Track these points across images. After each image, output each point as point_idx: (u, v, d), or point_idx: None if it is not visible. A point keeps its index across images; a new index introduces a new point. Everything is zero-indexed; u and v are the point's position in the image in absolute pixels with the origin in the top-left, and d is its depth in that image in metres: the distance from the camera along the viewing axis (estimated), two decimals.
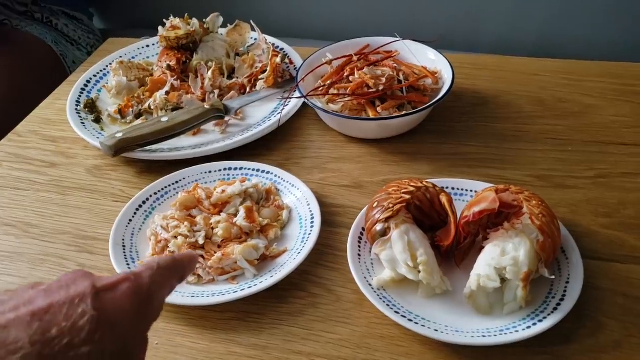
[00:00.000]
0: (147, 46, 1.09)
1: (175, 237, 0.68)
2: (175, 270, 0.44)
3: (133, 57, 1.06)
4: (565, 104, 0.90)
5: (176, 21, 1.00)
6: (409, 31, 1.60)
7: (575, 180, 0.77)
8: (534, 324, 0.57)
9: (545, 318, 0.58)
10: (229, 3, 1.71)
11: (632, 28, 1.48)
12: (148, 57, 1.07)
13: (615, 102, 0.90)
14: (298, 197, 0.75)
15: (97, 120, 0.92)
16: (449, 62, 0.88)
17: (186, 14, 1.02)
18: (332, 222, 0.73)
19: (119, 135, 0.81)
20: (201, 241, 0.68)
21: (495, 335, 0.57)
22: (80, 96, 0.97)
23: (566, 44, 1.55)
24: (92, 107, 0.94)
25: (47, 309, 0.35)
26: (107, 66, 1.03)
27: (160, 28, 1.01)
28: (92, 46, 1.63)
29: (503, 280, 0.59)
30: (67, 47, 1.56)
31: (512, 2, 1.52)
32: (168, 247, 0.68)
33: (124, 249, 0.69)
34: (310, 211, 0.72)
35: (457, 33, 1.61)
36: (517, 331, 0.57)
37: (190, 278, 0.66)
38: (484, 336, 0.57)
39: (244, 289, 0.63)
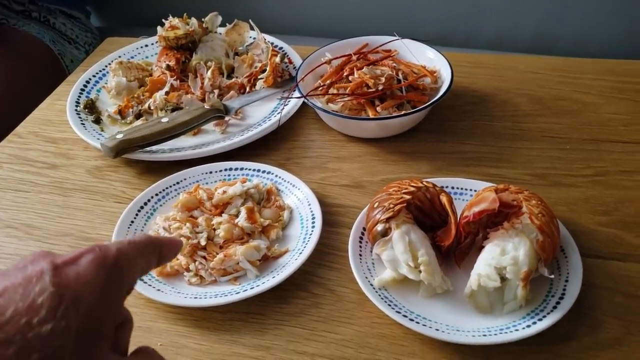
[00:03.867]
0: (146, 46, 1.09)
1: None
2: (151, 247, 0.42)
3: (132, 57, 1.06)
4: (563, 102, 0.90)
5: (175, 21, 1.00)
6: (407, 28, 1.61)
7: (573, 178, 0.77)
8: (534, 323, 0.58)
9: (544, 317, 0.58)
10: (225, 1, 1.71)
11: (629, 25, 1.48)
12: (147, 57, 1.07)
13: (612, 100, 0.90)
14: (299, 197, 0.75)
15: (97, 120, 0.92)
16: (447, 60, 0.88)
17: (185, 14, 1.02)
18: (333, 222, 0.74)
19: (120, 136, 0.82)
20: (203, 242, 0.68)
21: (496, 334, 0.58)
22: (79, 97, 0.97)
23: (564, 40, 1.55)
24: (91, 108, 0.94)
25: (1, 292, 0.33)
26: (106, 66, 1.03)
27: (159, 28, 1.01)
28: (89, 44, 1.63)
29: (503, 279, 0.60)
30: (65, 45, 1.55)
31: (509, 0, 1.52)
32: None
33: None
34: (311, 211, 0.73)
35: (455, 30, 1.61)
36: (517, 330, 0.58)
37: (193, 279, 0.66)
38: (484, 335, 0.57)
39: (246, 290, 0.63)
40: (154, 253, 0.42)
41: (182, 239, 0.68)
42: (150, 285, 0.65)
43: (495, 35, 1.61)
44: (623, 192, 0.75)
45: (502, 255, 0.60)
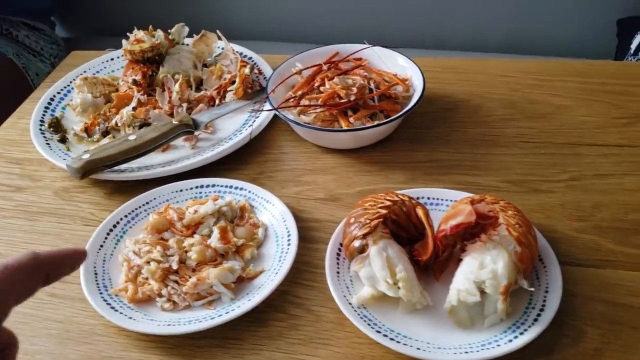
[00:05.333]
0: (112, 59, 1.06)
1: (148, 263, 0.66)
2: (34, 270, 0.38)
3: (97, 72, 1.03)
4: (536, 106, 0.90)
5: (140, 34, 0.97)
6: (377, 32, 1.61)
7: (549, 184, 0.77)
8: (516, 337, 0.57)
9: (526, 330, 0.58)
10: (193, 8, 1.68)
11: (597, 24, 1.50)
12: (113, 71, 1.04)
13: (585, 102, 0.90)
14: (273, 214, 0.74)
15: (63, 139, 0.89)
16: (419, 68, 0.87)
17: (150, 26, 1.00)
18: (309, 237, 0.72)
19: (86, 156, 0.79)
20: (175, 266, 0.66)
21: (478, 351, 0.57)
22: (44, 115, 0.94)
23: (534, 39, 1.56)
24: (57, 127, 0.91)
25: None
26: (70, 82, 1.00)
27: (124, 41, 0.98)
28: (55, 57, 1.59)
29: (482, 292, 0.59)
30: (30, 59, 1.51)
31: (478, 1, 1.53)
32: (141, 272, 0.66)
33: (96, 277, 0.67)
34: (287, 228, 0.71)
35: (426, 33, 1.61)
36: (499, 345, 0.57)
37: (166, 305, 0.64)
38: (466, 352, 0.56)
39: (221, 315, 0.61)
40: (38, 277, 0.39)
41: (152, 262, 0.66)
42: (121, 313, 0.63)
43: (466, 37, 1.61)
44: (598, 197, 0.74)
45: (480, 269, 0.59)
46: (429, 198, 0.73)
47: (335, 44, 0.96)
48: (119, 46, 1.03)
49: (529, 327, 0.58)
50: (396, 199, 0.65)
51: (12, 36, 1.53)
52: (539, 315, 0.59)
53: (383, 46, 0.92)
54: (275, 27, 1.67)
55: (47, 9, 1.69)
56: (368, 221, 0.63)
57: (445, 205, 0.72)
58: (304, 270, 0.68)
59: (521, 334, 0.57)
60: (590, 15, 1.53)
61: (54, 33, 1.68)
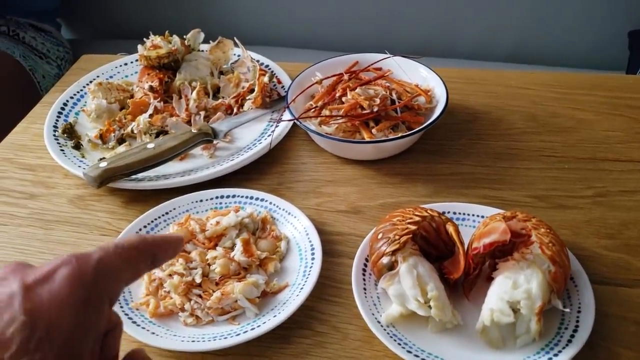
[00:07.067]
0: (125, 64, 1.04)
1: (170, 276, 0.65)
2: (141, 253, 0.38)
3: (111, 77, 1.01)
4: (557, 119, 0.89)
5: (157, 40, 0.96)
6: (385, 39, 1.60)
7: (574, 200, 0.76)
8: (550, 359, 0.56)
9: (560, 352, 0.56)
10: (198, 12, 1.67)
11: (606, 35, 1.49)
12: (127, 76, 1.02)
13: (607, 116, 0.89)
14: (295, 226, 0.72)
15: (77, 146, 0.88)
16: (442, 79, 0.86)
17: (166, 32, 0.98)
18: (331, 251, 0.71)
19: (103, 164, 0.77)
20: (198, 279, 0.64)
21: None
22: (57, 120, 0.92)
23: (544, 49, 1.56)
24: (71, 133, 0.89)
25: None
26: (84, 87, 0.98)
27: (139, 47, 0.97)
28: (61, 59, 1.57)
29: (515, 312, 0.58)
30: (36, 61, 1.50)
31: (488, 10, 1.52)
32: (163, 286, 0.65)
33: None
34: (310, 241, 0.69)
35: (435, 40, 1.60)
36: None
37: (189, 320, 0.62)
38: None
39: (246, 331, 0.60)
40: (145, 258, 0.39)
41: (175, 275, 0.65)
42: (143, 328, 0.61)
43: (474, 45, 1.60)
44: (625, 214, 0.73)
45: (514, 289, 0.57)
46: (455, 213, 0.72)
47: (343, 50, 0.95)
48: (126, 49, 1.01)
49: (563, 348, 0.57)
50: (425, 214, 0.64)
51: (19, 38, 1.51)
52: (572, 336, 0.58)
53: (404, 56, 0.91)
54: (283, 34, 1.66)
55: (53, 10, 1.67)
56: (397, 237, 0.62)
57: (471, 220, 0.71)
58: (328, 285, 0.67)
59: (555, 355, 0.56)
60: (601, 27, 1.53)
61: (60, 35, 1.66)
